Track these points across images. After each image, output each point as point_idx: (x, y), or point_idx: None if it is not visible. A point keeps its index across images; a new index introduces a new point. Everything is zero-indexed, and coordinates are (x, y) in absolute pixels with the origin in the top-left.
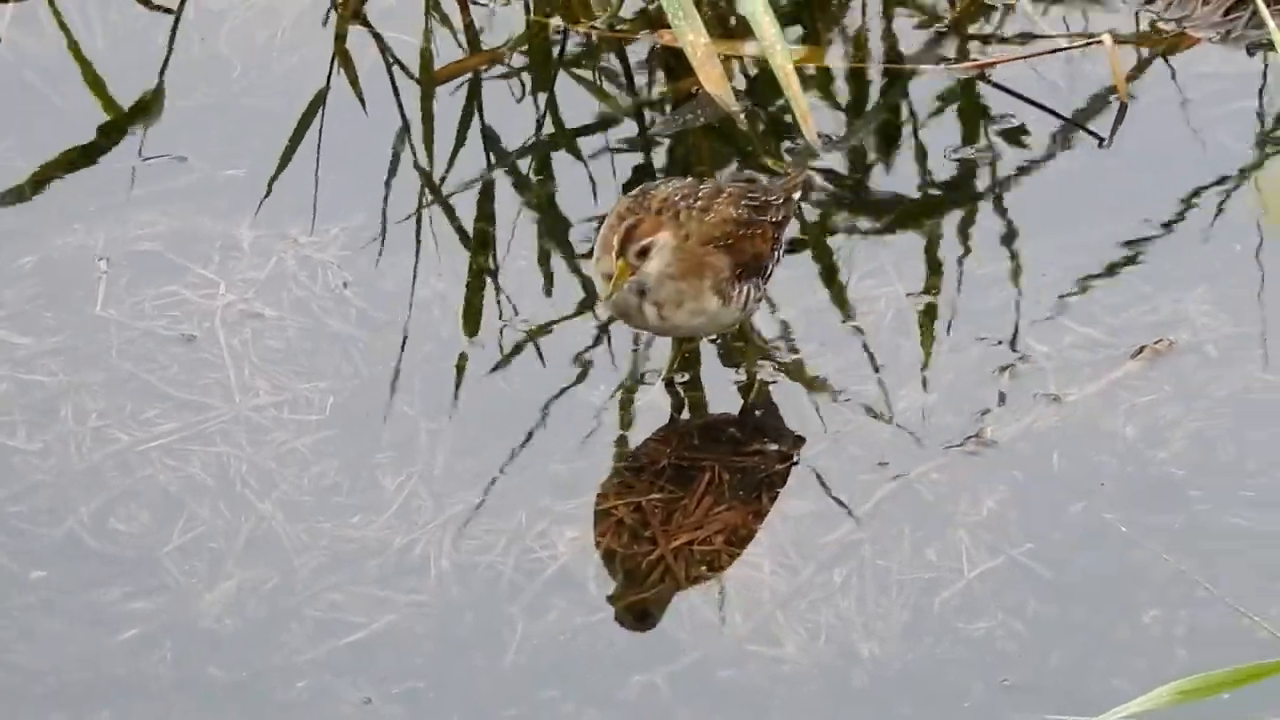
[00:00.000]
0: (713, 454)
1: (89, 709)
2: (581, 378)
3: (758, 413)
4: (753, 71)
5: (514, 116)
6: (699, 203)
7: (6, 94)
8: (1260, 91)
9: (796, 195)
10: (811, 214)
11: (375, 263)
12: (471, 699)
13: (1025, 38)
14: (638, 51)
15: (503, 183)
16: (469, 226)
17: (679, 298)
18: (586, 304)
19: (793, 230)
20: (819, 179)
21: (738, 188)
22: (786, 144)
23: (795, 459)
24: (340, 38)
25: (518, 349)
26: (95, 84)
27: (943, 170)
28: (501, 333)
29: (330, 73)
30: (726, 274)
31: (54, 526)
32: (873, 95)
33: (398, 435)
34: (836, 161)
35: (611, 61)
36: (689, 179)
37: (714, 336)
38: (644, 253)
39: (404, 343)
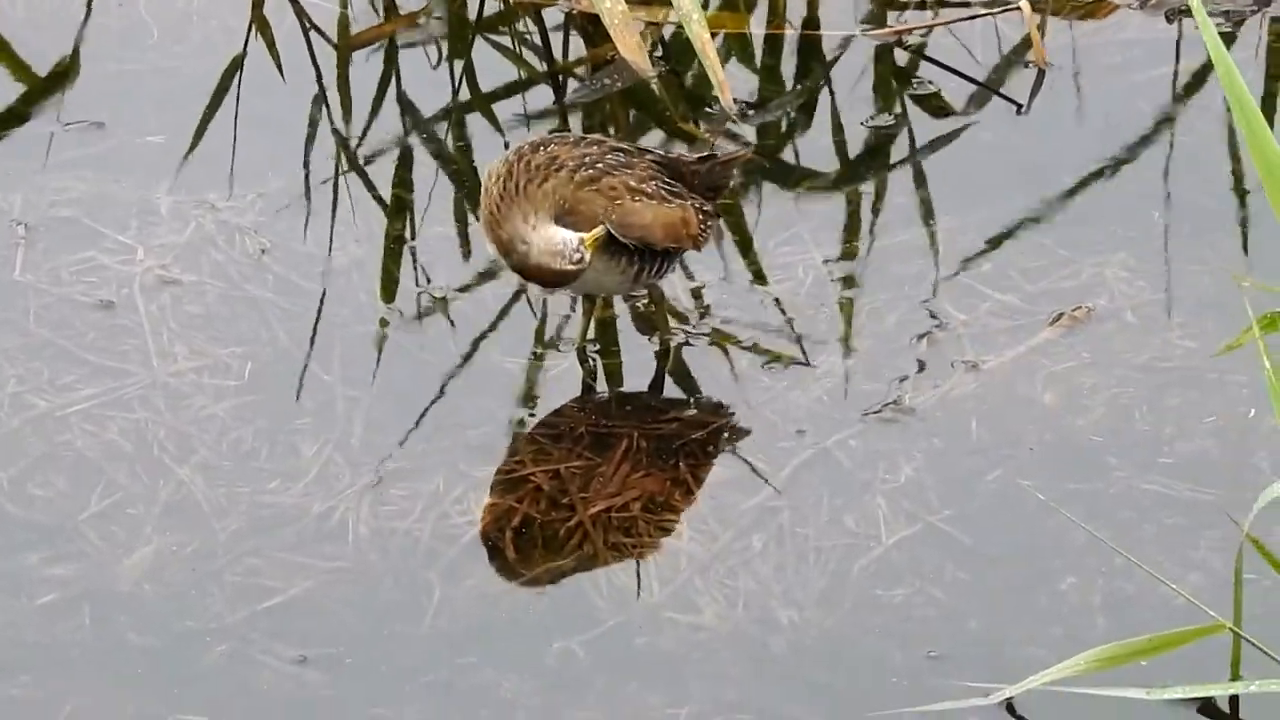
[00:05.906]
0: (630, 421)
1: (6, 674)
2: (498, 344)
3: (674, 380)
4: (669, 36)
5: (431, 82)
6: (589, 170)
7: None
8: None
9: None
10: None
11: (293, 228)
12: (390, 664)
13: (943, 4)
14: (554, 17)
15: (420, 148)
16: (386, 192)
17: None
18: (503, 270)
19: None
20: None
21: (654, 165)
22: (704, 109)
23: (713, 426)
24: (258, 3)
25: (435, 315)
26: (10, 50)
27: (859, 136)
28: (419, 299)
29: (247, 38)
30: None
31: None
32: (789, 61)
33: (315, 401)
34: (752, 127)
35: (528, 27)
36: (607, 143)
37: (623, 298)
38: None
39: (321, 309)
